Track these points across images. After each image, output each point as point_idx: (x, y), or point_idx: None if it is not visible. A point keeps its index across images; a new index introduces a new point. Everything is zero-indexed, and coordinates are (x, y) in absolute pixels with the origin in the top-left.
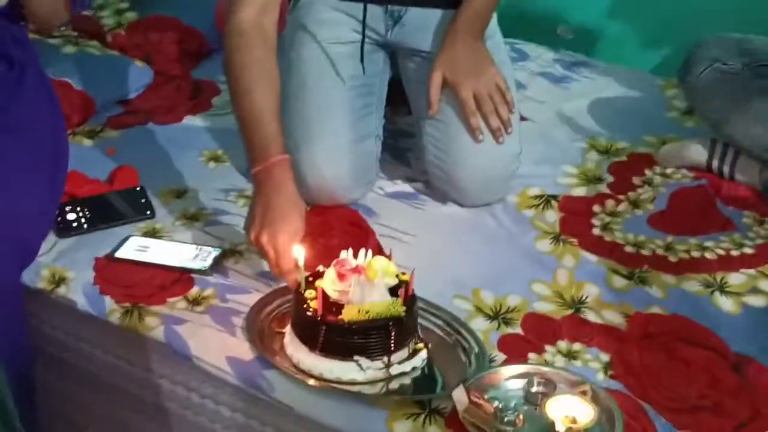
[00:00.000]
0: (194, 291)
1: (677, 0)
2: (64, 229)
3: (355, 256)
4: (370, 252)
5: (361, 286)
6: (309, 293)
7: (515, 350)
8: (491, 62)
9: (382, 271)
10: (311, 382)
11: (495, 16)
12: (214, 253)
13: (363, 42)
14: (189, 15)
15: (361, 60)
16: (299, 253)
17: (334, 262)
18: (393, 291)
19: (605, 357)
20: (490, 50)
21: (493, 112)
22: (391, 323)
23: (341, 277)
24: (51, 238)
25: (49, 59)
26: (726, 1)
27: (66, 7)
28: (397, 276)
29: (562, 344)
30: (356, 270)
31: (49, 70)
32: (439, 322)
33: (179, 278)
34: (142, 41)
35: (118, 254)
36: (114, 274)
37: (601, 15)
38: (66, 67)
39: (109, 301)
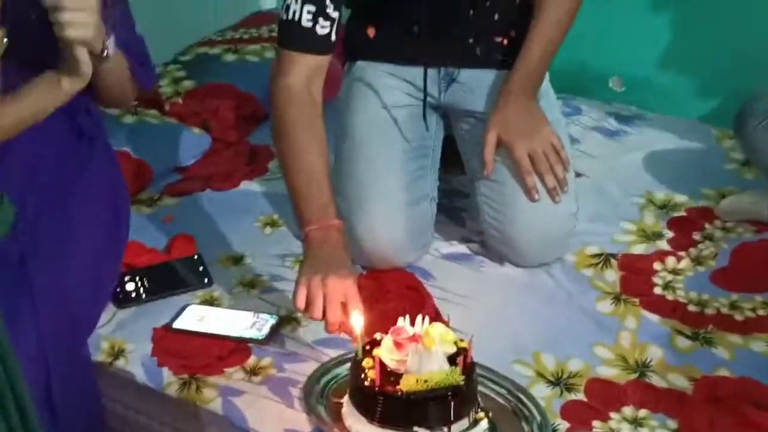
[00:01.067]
0: (251, 361)
1: (728, 49)
2: (123, 300)
3: (412, 321)
4: (427, 319)
5: (418, 355)
6: (366, 362)
7: (579, 418)
8: (545, 121)
9: (440, 338)
10: None
11: (547, 74)
12: (271, 321)
13: (425, 105)
14: (244, 81)
15: (424, 118)
16: (357, 321)
17: (391, 330)
18: (452, 358)
19: (673, 424)
20: (543, 109)
21: (548, 171)
22: (450, 393)
23: (398, 346)
24: (110, 308)
25: (109, 129)
26: None
27: (133, 89)
28: (455, 343)
29: (628, 411)
30: (413, 338)
31: (110, 140)
32: (500, 390)
33: (236, 348)
34: (199, 108)
35: (176, 325)
36: (172, 344)
37: (652, 66)
38: (125, 137)
39: (166, 373)
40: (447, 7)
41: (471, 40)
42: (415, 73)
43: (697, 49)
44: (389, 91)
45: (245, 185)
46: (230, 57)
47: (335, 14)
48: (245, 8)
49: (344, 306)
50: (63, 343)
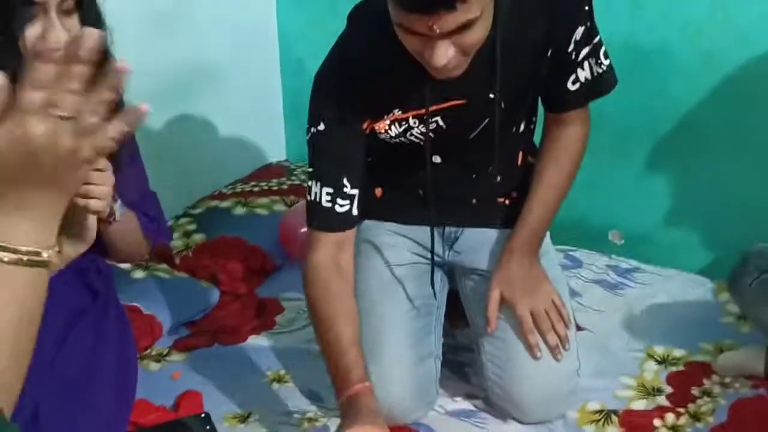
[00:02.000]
0: None
1: (725, 202)
2: None
3: None
4: None
5: None
6: None
7: None
8: (546, 280)
9: None
10: None
11: (548, 232)
12: None
13: (433, 266)
14: (253, 234)
15: (432, 286)
16: None
17: None
18: None
19: None
20: (544, 267)
21: (550, 329)
22: None
23: None
24: None
25: (120, 284)
26: None
27: (146, 244)
28: None
29: None
30: None
31: (120, 295)
32: None
33: None
34: (208, 262)
35: None
36: None
37: (650, 219)
38: (135, 292)
39: None
40: (451, 173)
41: (474, 201)
42: (420, 232)
43: (695, 202)
44: (394, 250)
45: (253, 339)
46: (240, 210)
47: (354, 191)
48: (256, 161)
49: None
50: None
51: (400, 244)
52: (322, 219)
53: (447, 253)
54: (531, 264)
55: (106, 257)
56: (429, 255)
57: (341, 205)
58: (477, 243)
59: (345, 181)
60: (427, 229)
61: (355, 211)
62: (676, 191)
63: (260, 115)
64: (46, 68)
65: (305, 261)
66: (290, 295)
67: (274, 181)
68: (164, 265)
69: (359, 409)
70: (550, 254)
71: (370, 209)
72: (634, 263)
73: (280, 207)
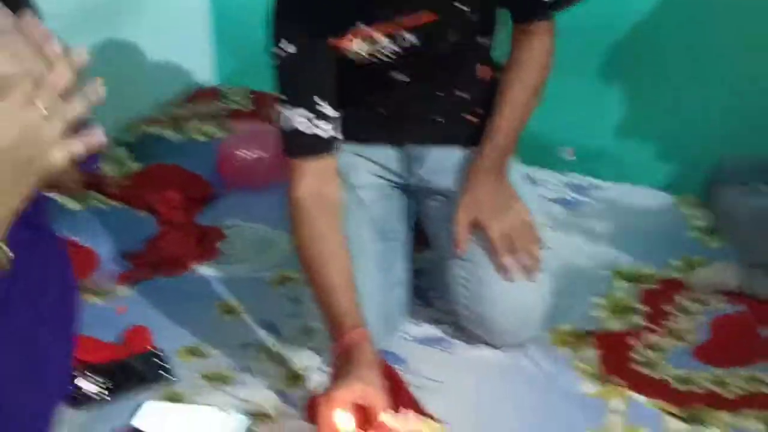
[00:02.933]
0: None
1: (681, 116)
2: (79, 400)
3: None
4: (416, 415)
5: None
6: None
7: None
8: (517, 198)
9: None
10: None
11: None
12: (244, 420)
13: (403, 186)
14: (190, 162)
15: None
16: (346, 421)
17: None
18: None
19: None
20: (513, 184)
21: (523, 249)
22: None
23: None
24: (65, 410)
25: (54, 217)
26: (729, 116)
27: (75, 168)
28: None
29: None
30: None
31: (56, 228)
32: None
33: None
34: (144, 191)
35: (142, 426)
36: None
37: (604, 135)
38: (72, 225)
39: None
40: (416, 91)
41: (439, 119)
42: (382, 153)
43: (650, 117)
44: (355, 171)
45: (197, 269)
46: (175, 136)
47: (331, 111)
48: (184, 86)
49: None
50: None
51: (361, 165)
52: (303, 146)
53: (410, 174)
54: (499, 183)
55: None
56: (391, 177)
57: (324, 129)
58: (442, 163)
59: (324, 103)
60: (389, 149)
61: (334, 134)
62: (631, 105)
63: (186, 38)
64: None
65: (288, 196)
66: (232, 222)
67: (209, 104)
68: (99, 196)
69: (351, 362)
70: (517, 171)
71: None
72: (590, 180)
73: (216, 133)
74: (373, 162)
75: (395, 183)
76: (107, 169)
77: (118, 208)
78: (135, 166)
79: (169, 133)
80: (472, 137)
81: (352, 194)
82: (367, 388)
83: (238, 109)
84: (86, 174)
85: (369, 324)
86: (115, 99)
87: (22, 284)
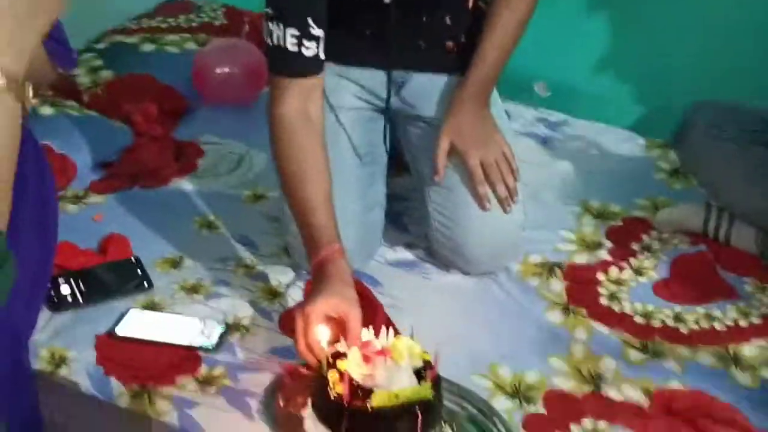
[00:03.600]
0: (204, 370)
1: (657, 59)
2: (60, 304)
3: (376, 333)
4: (391, 331)
5: (388, 370)
6: (331, 375)
7: (541, 431)
8: (497, 130)
9: (408, 352)
10: None
11: None
12: (219, 329)
13: (386, 113)
14: (165, 73)
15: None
16: (323, 333)
17: (359, 344)
18: (417, 372)
19: None
20: (494, 117)
21: (500, 180)
22: (419, 407)
23: (366, 359)
24: (45, 314)
25: (29, 122)
26: (703, 61)
27: (51, 65)
28: (421, 357)
29: (588, 422)
30: (382, 353)
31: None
32: (463, 403)
33: (186, 356)
34: (119, 100)
35: (120, 331)
36: (117, 352)
37: (579, 72)
38: (45, 130)
39: (115, 383)
40: (401, 15)
41: (422, 45)
42: (366, 75)
43: (627, 57)
44: (337, 93)
45: (175, 183)
46: (148, 47)
47: (319, 32)
48: None
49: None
50: (5, 349)
51: (344, 87)
52: (289, 64)
53: (392, 99)
54: (482, 113)
55: None
56: (373, 100)
57: (308, 48)
58: (424, 89)
59: (310, 21)
60: (374, 72)
61: (322, 55)
62: (609, 43)
63: None
64: None
65: (269, 112)
66: (209, 139)
67: (182, 17)
68: (73, 103)
69: (327, 277)
70: (498, 104)
71: None
72: (563, 116)
73: (191, 45)
74: (357, 84)
75: (376, 107)
76: (80, 76)
77: (92, 117)
78: (107, 74)
79: (142, 44)
80: (454, 66)
81: (333, 116)
82: (342, 302)
83: (210, 22)
84: (63, 77)
85: (347, 246)
86: (87, 10)
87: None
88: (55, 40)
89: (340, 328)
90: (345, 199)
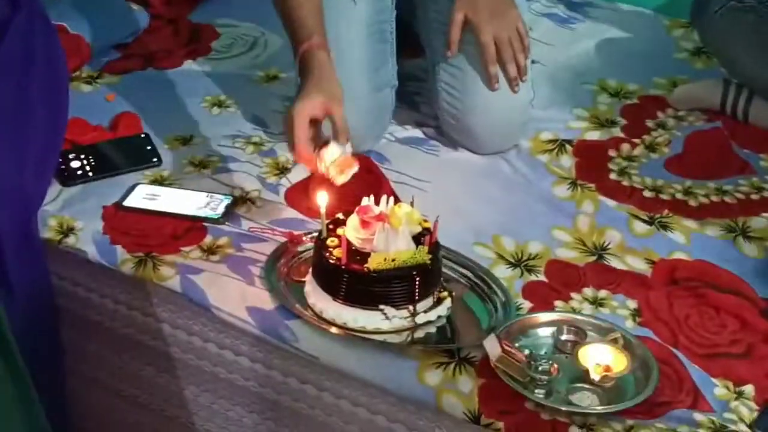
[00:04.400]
0: (208, 240)
1: None
2: (69, 177)
3: (376, 202)
4: (392, 199)
5: (385, 234)
6: (331, 241)
7: (540, 298)
8: (513, 5)
9: (406, 218)
10: (335, 330)
11: None
12: (225, 201)
13: None
14: None
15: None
16: (322, 199)
17: (357, 209)
18: (416, 238)
19: (633, 304)
20: None
21: (512, 59)
22: (415, 271)
23: (365, 224)
24: (55, 186)
25: (44, 1)
26: None
27: None
28: (420, 223)
29: (588, 291)
30: (380, 217)
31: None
32: (462, 270)
33: (191, 227)
34: None
35: (127, 203)
36: (124, 223)
37: None
38: (61, 10)
39: (120, 251)
40: None
41: None
42: None
43: None
44: None
45: (188, 65)
46: None
47: None
48: None
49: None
50: (14, 220)
51: None
52: None
53: None
54: None
55: None
56: None
57: None
58: None
59: None
60: None
61: None
62: None
63: None
64: None
65: None
66: (225, 21)
67: None
68: None
69: (309, 73)
70: None
71: None
72: None
73: None
74: None
75: None
76: None
77: None
78: None
79: None
80: None
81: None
82: (325, 101)
83: None
84: None
85: (354, 126)
86: None
87: (14, 67)
88: None
89: (338, 197)
90: (354, 78)
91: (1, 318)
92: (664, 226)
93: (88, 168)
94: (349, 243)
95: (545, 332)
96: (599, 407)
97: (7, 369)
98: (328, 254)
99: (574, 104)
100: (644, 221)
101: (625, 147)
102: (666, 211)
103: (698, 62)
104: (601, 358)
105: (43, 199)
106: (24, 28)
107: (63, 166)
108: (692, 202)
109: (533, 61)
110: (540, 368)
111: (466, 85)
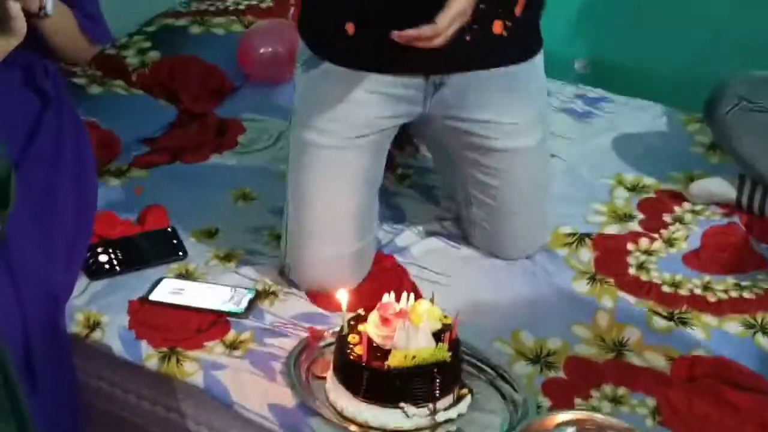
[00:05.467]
0: (231, 335)
1: (696, 34)
2: (97, 271)
3: (397, 299)
4: (412, 295)
5: (406, 331)
6: (352, 338)
7: (560, 395)
8: None
9: (427, 315)
10: (355, 429)
11: (542, 56)
12: (249, 295)
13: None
14: (211, 54)
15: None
16: (343, 296)
17: (378, 306)
18: (436, 335)
19: (652, 402)
20: (537, 92)
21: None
22: (436, 369)
23: (385, 321)
24: (83, 280)
25: (76, 99)
26: (746, 36)
27: (88, 44)
28: (440, 320)
29: (607, 388)
30: (401, 314)
31: (78, 110)
32: (482, 367)
33: (215, 321)
34: (165, 80)
35: (153, 297)
36: (149, 317)
37: (618, 49)
38: (92, 107)
39: (145, 346)
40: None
41: (464, 32)
42: (400, 84)
43: (665, 33)
44: (362, 111)
45: (215, 158)
46: (196, 29)
47: None
48: None
49: None
50: (42, 315)
51: (372, 105)
52: None
53: (428, 104)
54: None
55: (50, 58)
56: (410, 110)
57: None
58: (465, 85)
59: None
60: (411, 83)
61: None
62: (647, 20)
63: None
64: None
65: None
66: (251, 116)
67: (230, 0)
68: (120, 82)
69: None
70: (542, 77)
71: (340, 50)
72: (601, 92)
73: (237, 27)
74: (386, 96)
75: (410, 115)
76: (128, 58)
77: (138, 95)
78: (155, 55)
79: (190, 26)
80: (504, 53)
81: (350, 143)
82: None
83: (257, 5)
84: (97, 44)
85: (342, 278)
86: None
87: (46, 154)
88: (86, 16)
89: (360, 292)
90: (341, 231)
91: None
92: (684, 322)
93: (115, 262)
94: (370, 340)
95: None
96: None
97: None
98: (349, 351)
99: (592, 198)
100: (663, 317)
101: (644, 241)
102: (685, 307)
103: (714, 157)
104: None
105: (71, 292)
106: (54, 124)
107: (91, 260)
108: (711, 298)
109: (552, 156)
110: None
111: (498, 219)
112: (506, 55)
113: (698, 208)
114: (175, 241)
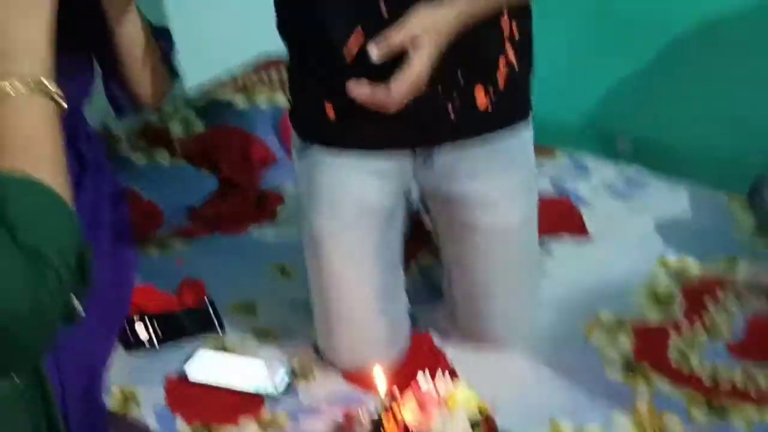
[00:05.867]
0: (266, 414)
1: (741, 115)
2: (134, 345)
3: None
4: (448, 378)
5: (443, 419)
6: (388, 424)
7: None
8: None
9: (464, 403)
10: None
11: (531, 133)
12: (285, 374)
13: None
14: (254, 126)
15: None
16: (379, 377)
17: (413, 387)
18: (473, 422)
19: None
20: (527, 179)
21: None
22: None
23: (422, 407)
24: (119, 352)
25: (119, 169)
26: None
27: (165, 79)
28: (478, 407)
29: None
30: (438, 402)
31: (120, 180)
32: None
33: (251, 398)
34: (208, 150)
35: (190, 372)
36: (184, 392)
37: (661, 128)
38: (136, 177)
39: (180, 423)
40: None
41: (443, 97)
42: (389, 161)
43: (709, 113)
44: (360, 196)
45: (254, 230)
46: (241, 101)
47: None
48: (253, 50)
49: None
50: (80, 385)
51: (365, 184)
52: None
53: (420, 177)
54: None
55: (124, 89)
56: (398, 191)
57: None
58: (453, 162)
59: None
60: (398, 155)
61: None
62: (690, 99)
63: (259, 7)
64: None
65: None
66: (291, 188)
67: (274, 73)
68: (163, 151)
69: None
70: (531, 158)
71: (321, 134)
72: (642, 172)
73: (281, 100)
74: (378, 176)
75: (405, 191)
76: (173, 126)
77: (181, 165)
78: (199, 126)
79: (237, 99)
80: (489, 123)
81: (357, 227)
82: None
83: None
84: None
85: (378, 358)
86: (190, 64)
87: (85, 222)
88: (167, 47)
89: (395, 372)
90: (367, 313)
91: None
92: (725, 414)
93: (153, 336)
94: (406, 427)
95: None
96: None
97: None
98: None
99: (633, 282)
100: (703, 408)
101: (685, 329)
102: (726, 399)
103: (758, 242)
104: None
105: (108, 363)
106: (90, 188)
107: (128, 333)
108: (752, 388)
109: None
110: None
111: (477, 293)
112: (492, 123)
113: (743, 295)
114: (213, 316)
